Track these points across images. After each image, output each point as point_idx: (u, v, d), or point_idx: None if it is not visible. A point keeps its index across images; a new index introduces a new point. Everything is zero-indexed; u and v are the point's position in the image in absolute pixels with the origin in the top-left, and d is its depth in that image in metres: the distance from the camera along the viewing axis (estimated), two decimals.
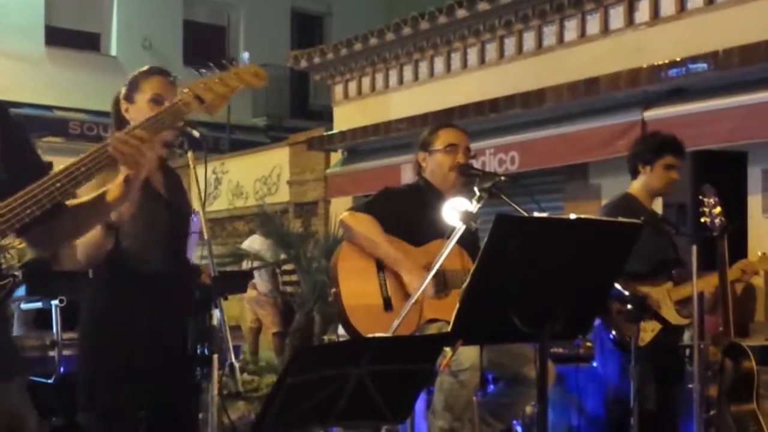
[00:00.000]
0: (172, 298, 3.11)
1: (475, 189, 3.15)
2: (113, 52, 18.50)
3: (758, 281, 6.59)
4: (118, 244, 3.19)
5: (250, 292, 10.58)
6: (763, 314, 6.94)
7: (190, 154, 2.98)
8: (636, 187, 4.49)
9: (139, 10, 18.49)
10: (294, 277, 10.57)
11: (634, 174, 4.50)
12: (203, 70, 2.56)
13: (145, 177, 2.75)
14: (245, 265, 9.87)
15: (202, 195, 3.10)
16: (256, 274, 10.52)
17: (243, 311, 10.96)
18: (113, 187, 2.46)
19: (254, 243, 10.24)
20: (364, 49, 10.80)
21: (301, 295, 10.20)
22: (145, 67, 3.33)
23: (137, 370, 3.10)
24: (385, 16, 14.27)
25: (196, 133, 2.94)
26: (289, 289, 10.66)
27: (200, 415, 3.32)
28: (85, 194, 2.52)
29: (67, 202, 2.40)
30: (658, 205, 4.83)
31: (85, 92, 16.57)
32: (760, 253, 4.49)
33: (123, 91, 3.27)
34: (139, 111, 3.13)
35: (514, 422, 4.55)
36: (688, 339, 4.26)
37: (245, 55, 2.64)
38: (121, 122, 3.18)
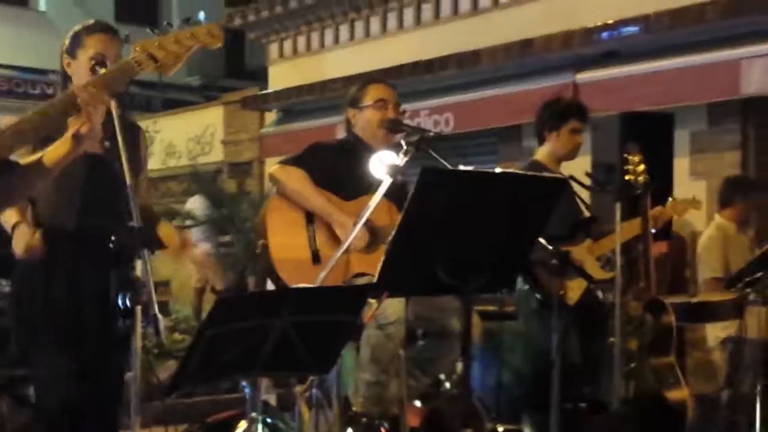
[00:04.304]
0: (92, 255, 3.10)
1: (402, 142, 3.16)
2: (42, 7, 18.02)
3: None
4: (33, 200, 3.22)
5: (195, 252, 10.49)
6: (689, 273, 7.09)
7: (112, 102, 2.92)
8: (543, 153, 4.55)
9: None
10: (228, 237, 10.52)
11: (541, 140, 4.56)
12: (156, 30, 2.54)
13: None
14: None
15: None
16: (194, 233, 10.44)
17: (178, 271, 10.84)
18: (58, 145, 2.49)
19: (196, 203, 10.17)
20: (300, 8, 10.69)
21: (234, 255, 10.17)
22: (91, 22, 3.30)
23: (60, 326, 3.14)
24: None
25: None
26: (223, 250, 10.60)
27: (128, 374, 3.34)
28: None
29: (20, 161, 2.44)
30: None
31: (13, 48, 16.13)
32: (670, 199, 4.59)
33: (66, 44, 3.24)
34: (80, 67, 3.16)
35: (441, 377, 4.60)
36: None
37: (201, 15, 2.60)
38: (66, 77, 3.19)
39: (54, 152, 2.50)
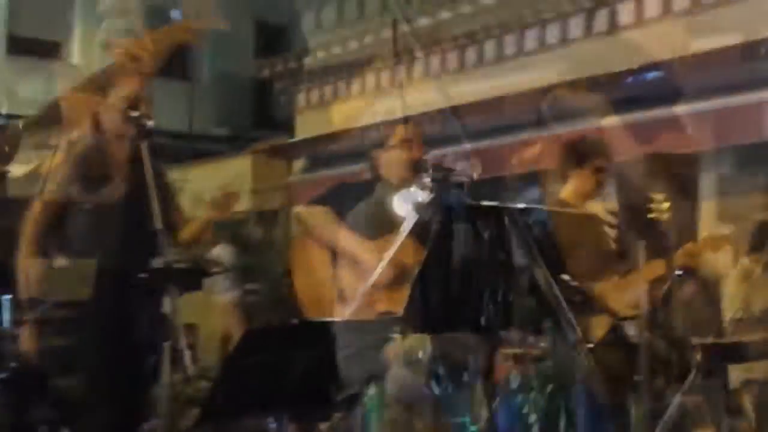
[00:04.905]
0: (126, 291, 3.17)
1: (426, 181, 3.19)
2: (75, 60, 18.36)
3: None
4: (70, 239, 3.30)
5: (220, 300, 10.55)
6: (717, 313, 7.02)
7: (143, 145, 2.99)
8: (567, 191, 4.52)
9: (101, 19, 18.35)
10: (255, 285, 10.56)
11: (564, 179, 4.56)
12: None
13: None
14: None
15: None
16: (221, 281, 10.48)
17: (206, 318, 10.86)
18: None
19: (222, 251, 10.22)
20: (327, 58, 10.85)
21: (261, 303, 10.21)
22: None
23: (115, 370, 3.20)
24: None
25: (149, 123, 2.96)
26: (249, 297, 10.62)
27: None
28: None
29: None
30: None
31: (46, 101, 16.41)
32: (704, 235, 4.58)
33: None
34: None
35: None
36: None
37: (176, 13, 2.65)
38: None
39: None
